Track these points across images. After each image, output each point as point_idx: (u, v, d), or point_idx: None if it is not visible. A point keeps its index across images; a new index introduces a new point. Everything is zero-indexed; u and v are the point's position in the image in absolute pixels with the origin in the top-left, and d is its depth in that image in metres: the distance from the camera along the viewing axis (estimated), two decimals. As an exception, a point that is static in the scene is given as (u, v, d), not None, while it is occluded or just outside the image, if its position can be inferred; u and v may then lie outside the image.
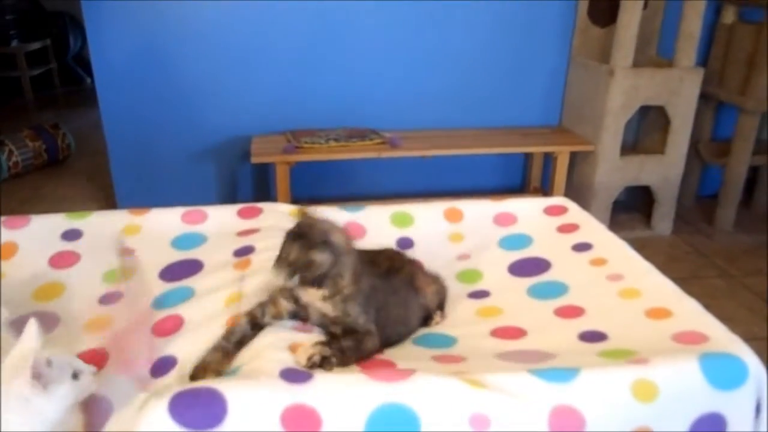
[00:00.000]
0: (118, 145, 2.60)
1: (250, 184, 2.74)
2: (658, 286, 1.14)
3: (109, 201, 2.74)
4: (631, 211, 2.77)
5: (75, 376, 0.87)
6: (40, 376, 0.83)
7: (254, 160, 2.36)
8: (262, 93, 2.57)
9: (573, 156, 2.55)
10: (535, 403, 0.86)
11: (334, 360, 0.93)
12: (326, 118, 2.62)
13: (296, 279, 0.97)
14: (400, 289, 1.11)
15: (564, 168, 2.52)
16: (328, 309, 1.01)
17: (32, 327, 0.88)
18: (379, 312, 1.04)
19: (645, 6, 2.38)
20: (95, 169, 3.23)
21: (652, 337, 1.02)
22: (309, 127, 2.58)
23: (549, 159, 2.66)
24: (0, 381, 0.86)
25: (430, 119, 2.68)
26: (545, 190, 2.74)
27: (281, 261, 0.97)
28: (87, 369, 0.89)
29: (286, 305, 1.02)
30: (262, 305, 1.03)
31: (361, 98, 2.63)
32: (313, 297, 1.00)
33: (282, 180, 2.39)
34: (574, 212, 1.41)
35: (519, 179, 2.87)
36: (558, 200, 1.46)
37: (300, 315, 1.03)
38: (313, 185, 2.66)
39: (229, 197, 2.71)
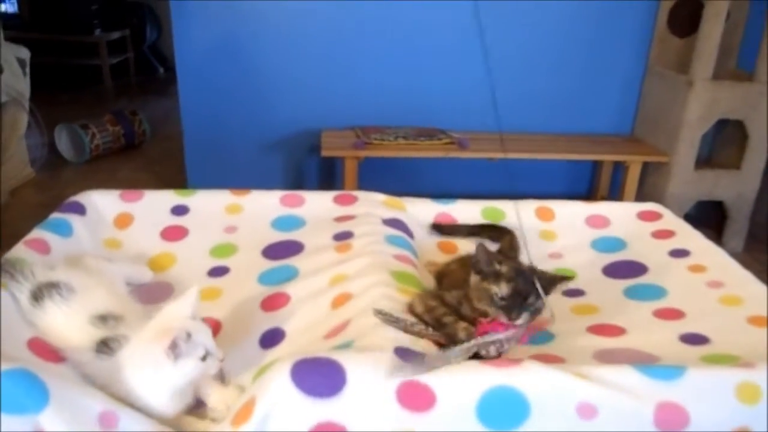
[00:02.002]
0: (193, 132, 2.69)
1: (315, 177, 2.80)
2: (760, 295, 1.13)
3: (180, 186, 2.84)
4: (701, 226, 2.68)
5: (204, 357, 0.91)
6: (175, 347, 0.88)
7: (324, 153, 2.41)
8: (333, 89, 2.63)
9: (644, 167, 2.52)
10: (641, 398, 0.87)
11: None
12: (394, 116, 2.65)
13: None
14: None
15: (635, 178, 2.50)
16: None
17: (192, 295, 0.93)
18: None
19: (727, 17, 2.33)
20: (166, 155, 3.36)
21: (755, 343, 1.02)
22: (376, 124, 2.62)
23: (618, 168, 2.63)
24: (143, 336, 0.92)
25: (499, 122, 2.69)
26: (612, 199, 2.71)
27: (522, 306, 1.02)
28: (216, 353, 0.93)
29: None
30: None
31: (430, 98, 2.66)
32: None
33: (350, 174, 2.44)
34: (669, 219, 1.41)
35: (585, 187, 2.85)
36: (651, 206, 1.46)
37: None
38: (378, 181, 2.69)
39: (295, 188, 2.77)
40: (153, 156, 3.44)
